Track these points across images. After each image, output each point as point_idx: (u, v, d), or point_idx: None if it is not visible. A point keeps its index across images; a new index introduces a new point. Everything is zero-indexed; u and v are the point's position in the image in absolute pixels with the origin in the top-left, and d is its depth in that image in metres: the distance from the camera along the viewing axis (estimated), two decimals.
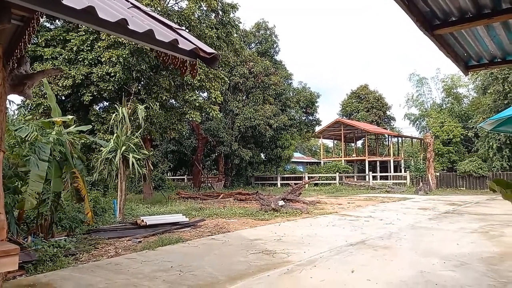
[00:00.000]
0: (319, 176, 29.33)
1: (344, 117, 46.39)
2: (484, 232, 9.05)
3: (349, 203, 16.84)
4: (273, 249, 7.43)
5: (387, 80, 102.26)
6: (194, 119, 15.57)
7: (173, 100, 16.82)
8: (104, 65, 14.62)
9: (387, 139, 44.18)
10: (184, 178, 36.47)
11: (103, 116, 15.31)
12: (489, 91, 24.82)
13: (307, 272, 5.82)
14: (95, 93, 15.15)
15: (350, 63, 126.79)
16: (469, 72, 3.11)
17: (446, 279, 5.35)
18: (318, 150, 60.29)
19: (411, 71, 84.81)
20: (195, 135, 27.82)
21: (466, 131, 34.22)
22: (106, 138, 11.15)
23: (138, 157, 10.03)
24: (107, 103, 17.01)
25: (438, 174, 27.39)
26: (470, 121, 30.75)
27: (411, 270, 5.85)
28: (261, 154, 30.92)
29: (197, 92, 16.13)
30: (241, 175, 31.19)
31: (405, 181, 28.45)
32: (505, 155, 24.40)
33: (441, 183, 26.89)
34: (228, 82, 19.63)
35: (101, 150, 9.96)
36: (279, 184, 32.27)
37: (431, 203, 16.68)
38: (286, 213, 12.74)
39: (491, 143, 24.87)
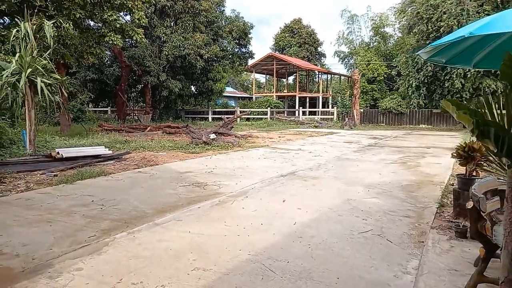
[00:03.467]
0: (251, 111, 29.28)
1: (277, 52, 45.93)
2: (402, 162, 9.69)
3: (280, 137, 17.09)
4: (204, 182, 7.19)
5: (320, 15, 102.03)
6: (116, 43, 13.94)
7: (90, 20, 14.80)
8: None
9: (317, 75, 45.06)
10: (107, 110, 34.20)
11: (3, 33, 13.01)
12: (414, 31, 25.80)
13: (239, 203, 5.70)
14: None
15: None
16: None
17: (370, 205, 5.57)
18: (250, 85, 59.95)
19: (344, 7, 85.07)
20: (117, 63, 25.49)
21: (390, 70, 35.98)
22: (8, 60, 9.44)
23: (49, 82, 8.73)
24: (8, 19, 14.49)
25: (362, 110, 28.87)
26: (394, 60, 32.20)
27: (339, 198, 6.01)
28: (192, 86, 29.69)
29: (118, 13, 14.28)
30: (170, 108, 29.95)
31: (332, 117, 29.66)
32: (422, 94, 26.25)
33: (364, 119, 28.51)
34: (154, 3, 17.70)
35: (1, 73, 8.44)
36: (210, 118, 31.76)
37: (355, 137, 17.59)
38: (217, 146, 12.49)
39: (411, 82, 26.47)
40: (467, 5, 22.41)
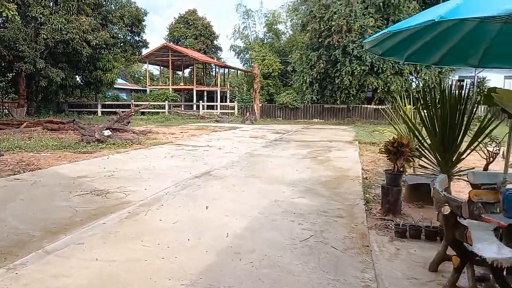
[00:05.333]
0: (150, 104, 27.24)
1: (171, 43, 43.98)
2: (313, 157, 9.73)
3: (182, 132, 16.09)
4: (105, 188, 6.04)
5: (214, 8, 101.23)
6: None
7: None
8: None
9: (214, 69, 44.55)
10: None
11: None
12: (307, 29, 26.94)
13: (154, 214, 4.81)
14: None
15: None
16: None
17: (300, 206, 5.22)
18: (142, 77, 56.51)
19: (238, 1, 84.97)
20: None
21: (284, 66, 37.29)
22: None
23: None
24: None
25: (260, 105, 29.26)
26: (289, 57, 33.35)
27: (265, 200, 5.54)
28: (77, 76, 26.38)
29: None
30: (50, 101, 26.18)
31: (232, 111, 29.45)
32: (315, 89, 27.62)
33: (263, 114, 28.97)
34: None
35: None
36: (99, 113, 28.81)
37: (259, 132, 17.53)
38: (114, 144, 11.03)
39: (305, 78, 27.66)
40: (354, 7, 24.18)
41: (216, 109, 31.30)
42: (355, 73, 24.95)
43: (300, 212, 4.97)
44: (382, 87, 25.47)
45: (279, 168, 8.05)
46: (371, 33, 24.15)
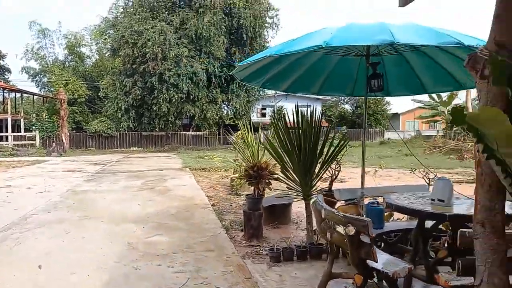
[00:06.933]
0: None
1: None
2: (150, 188, 9.03)
3: None
4: None
5: None
6: None
7: None
8: None
9: (1, 93, 37.05)
10: None
11: None
12: (120, 54, 25.58)
13: None
14: None
15: None
16: None
17: (160, 246, 4.65)
18: None
19: (33, 18, 73.61)
20: None
21: (92, 91, 34.37)
22: None
23: None
24: None
25: (68, 134, 25.92)
26: (100, 82, 30.91)
27: (116, 244, 4.71)
28: None
29: None
30: None
31: (33, 142, 24.91)
32: (131, 116, 26.29)
33: (72, 144, 25.70)
34: None
35: None
36: None
37: (73, 164, 15.29)
38: None
39: (120, 105, 26.02)
40: (168, 36, 24.43)
41: (8, 140, 25.89)
42: (173, 101, 25.09)
43: (163, 252, 4.39)
44: (199, 114, 26.46)
45: (118, 205, 7.08)
46: (186, 62, 24.91)
